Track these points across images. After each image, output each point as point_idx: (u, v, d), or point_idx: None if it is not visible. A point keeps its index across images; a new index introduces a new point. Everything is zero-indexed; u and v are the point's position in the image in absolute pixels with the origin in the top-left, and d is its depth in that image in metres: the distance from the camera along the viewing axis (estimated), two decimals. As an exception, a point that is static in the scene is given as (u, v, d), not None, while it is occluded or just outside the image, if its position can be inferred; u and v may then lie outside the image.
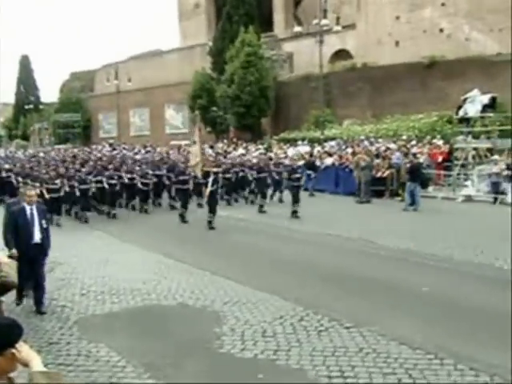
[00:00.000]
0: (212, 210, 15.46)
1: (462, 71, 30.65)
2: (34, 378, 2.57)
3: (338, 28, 35.45)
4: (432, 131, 27.23)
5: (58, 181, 17.02)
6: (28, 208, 8.44)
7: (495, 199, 19.06)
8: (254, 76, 37.75)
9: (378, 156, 22.53)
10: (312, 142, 30.27)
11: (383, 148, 24.11)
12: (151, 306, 8.69)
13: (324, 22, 31.72)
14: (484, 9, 33.27)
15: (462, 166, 22.40)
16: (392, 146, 24.22)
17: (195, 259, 11.49)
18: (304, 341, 7.02)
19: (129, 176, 19.19)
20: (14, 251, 8.03)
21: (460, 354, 6.44)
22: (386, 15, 37.35)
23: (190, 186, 17.92)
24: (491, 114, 23.09)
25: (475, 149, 22.86)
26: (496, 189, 19.30)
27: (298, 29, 37.59)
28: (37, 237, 8.37)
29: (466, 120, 23.17)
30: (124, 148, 37.65)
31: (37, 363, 2.67)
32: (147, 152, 32.82)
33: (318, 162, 23.71)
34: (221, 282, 9.85)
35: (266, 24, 48.01)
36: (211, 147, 33.84)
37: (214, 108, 41.08)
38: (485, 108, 22.61)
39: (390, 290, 9.16)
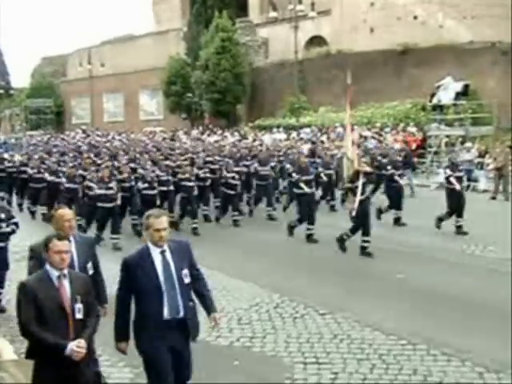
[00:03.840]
0: (366, 231, 10.75)
1: (436, 59, 30.82)
2: (4, 366, 2.54)
3: (313, 14, 35.37)
4: (406, 118, 27.43)
5: (112, 184, 12.40)
6: (157, 252, 4.47)
7: (467, 186, 19.28)
8: (228, 62, 37.48)
9: (352, 143, 22.55)
10: (287, 129, 30.26)
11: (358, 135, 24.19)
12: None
13: (299, 7, 31.68)
14: (457, -4, 33.49)
15: (435, 153, 22.66)
16: (367, 133, 24.33)
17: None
18: (279, 328, 7.08)
19: (201, 174, 14.50)
20: (124, 345, 4.73)
21: (433, 339, 6.55)
22: (360, 1, 37.25)
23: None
24: (464, 102, 23.38)
25: (448, 136, 23.14)
26: (468, 176, 19.52)
27: (273, 14, 37.45)
28: (176, 307, 4.51)
29: (439, 107, 23.46)
30: (97, 134, 37.15)
31: (8, 352, 2.65)
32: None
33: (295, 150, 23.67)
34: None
35: (241, 9, 47.53)
36: (186, 133, 33.67)
37: (189, 94, 40.78)
38: (458, 95, 22.90)
39: (364, 277, 9.25)
